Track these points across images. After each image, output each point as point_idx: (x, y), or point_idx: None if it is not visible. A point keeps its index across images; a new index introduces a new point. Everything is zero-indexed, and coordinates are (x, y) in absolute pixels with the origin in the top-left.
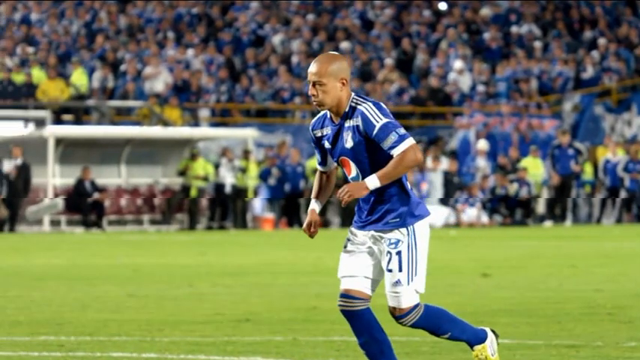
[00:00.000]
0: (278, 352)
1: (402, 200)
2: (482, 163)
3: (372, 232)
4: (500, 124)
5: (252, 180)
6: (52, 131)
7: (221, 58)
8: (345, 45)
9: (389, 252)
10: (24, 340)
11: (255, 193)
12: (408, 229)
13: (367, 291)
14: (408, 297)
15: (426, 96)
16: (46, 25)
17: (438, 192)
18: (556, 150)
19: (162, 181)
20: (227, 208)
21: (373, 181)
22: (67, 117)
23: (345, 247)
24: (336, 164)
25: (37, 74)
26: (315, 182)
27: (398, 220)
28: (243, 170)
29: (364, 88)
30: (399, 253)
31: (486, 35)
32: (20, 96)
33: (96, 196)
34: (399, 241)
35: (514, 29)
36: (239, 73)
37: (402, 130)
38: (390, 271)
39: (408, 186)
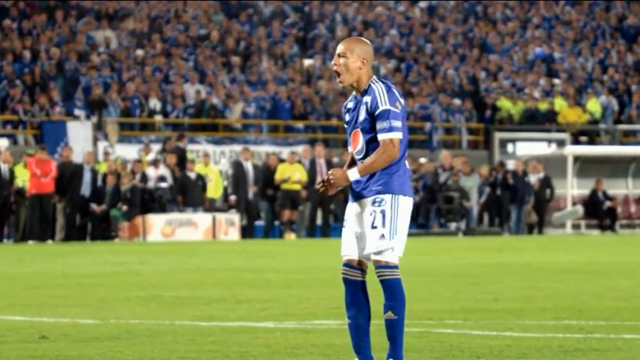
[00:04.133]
0: None
1: (391, 175)
2: None
3: (360, 202)
4: None
5: None
6: (571, 150)
7: None
8: None
9: (373, 211)
10: (550, 323)
11: None
12: (392, 196)
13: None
14: (390, 252)
15: None
16: (566, 62)
17: None
18: None
19: None
20: None
21: (354, 174)
22: (582, 138)
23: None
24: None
25: (559, 103)
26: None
27: (381, 187)
28: None
29: None
30: (382, 212)
31: None
32: (544, 121)
33: (608, 204)
34: (382, 200)
35: None
36: None
37: (396, 123)
38: (374, 227)
39: (400, 168)
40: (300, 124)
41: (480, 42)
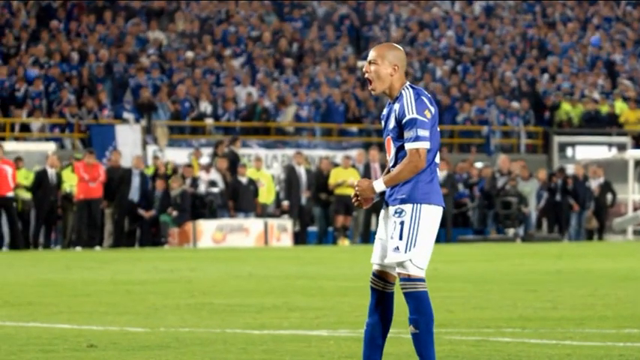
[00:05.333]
0: None
1: (416, 184)
2: None
3: (387, 210)
4: None
5: None
6: (632, 154)
7: None
8: None
9: (394, 222)
10: (610, 332)
11: None
12: (413, 206)
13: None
14: (410, 265)
15: None
16: (627, 64)
17: None
18: None
19: None
20: None
21: (379, 185)
22: None
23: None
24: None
25: (620, 105)
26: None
27: (404, 196)
28: None
29: None
30: (401, 223)
31: None
32: (604, 124)
33: None
34: (402, 211)
35: None
36: None
37: (423, 132)
38: (392, 239)
39: (429, 176)
40: (354, 128)
41: (538, 43)
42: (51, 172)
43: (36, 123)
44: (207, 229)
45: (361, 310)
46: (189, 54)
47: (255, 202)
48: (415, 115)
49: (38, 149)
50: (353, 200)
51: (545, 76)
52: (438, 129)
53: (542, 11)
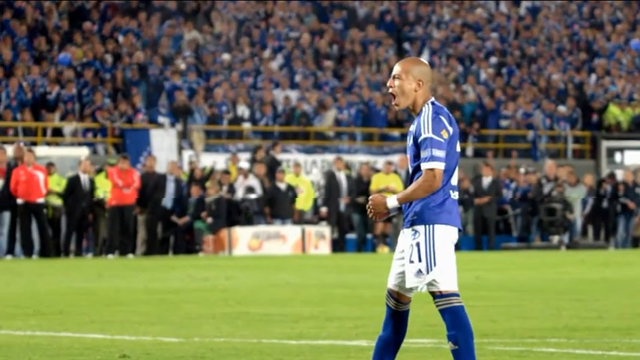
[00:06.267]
0: None
1: (427, 204)
2: None
3: (404, 230)
4: None
5: None
6: None
7: None
8: None
9: (410, 244)
10: None
11: None
12: (426, 226)
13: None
14: (435, 282)
15: None
16: None
17: None
18: None
19: None
20: None
21: (392, 201)
22: None
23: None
24: None
25: None
26: None
27: (416, 217)
28: None
29: None
30: (417, 244)
31: None
32: None
33: None
34: (417, 232)
35: None
36: None
37: (438, 152)
38: (412, 262)
39: (442, 197)
40: (395, 132)
41: (586, 45)
42: (84, 177)
43: (68, 127)
44: (243, 236)
45: None
46: (226, 56)
47: (293, 209)
48: (431, 135)
49: (71, 154)
50: (369, 213)
51: (593, 78)
52: (458, 149)
53: (589, 12)
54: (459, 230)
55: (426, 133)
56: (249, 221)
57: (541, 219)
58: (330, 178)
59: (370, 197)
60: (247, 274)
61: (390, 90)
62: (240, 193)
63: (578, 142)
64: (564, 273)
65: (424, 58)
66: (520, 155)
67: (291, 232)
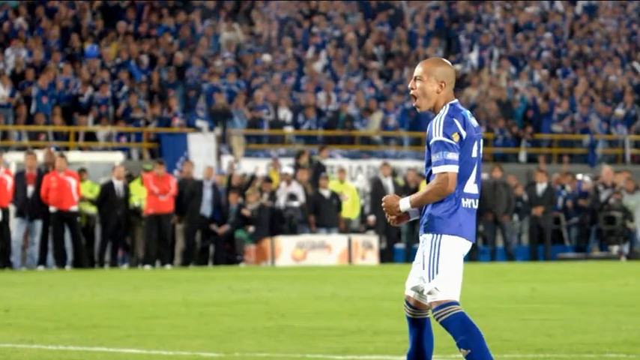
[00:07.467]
0: None
1: (437, 212)
2: None
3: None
4: None
5: None
6: None
7: None
8: None
9: (422, 251)
10: None
11: None
12: (433, 236)
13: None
14: (434, 292)
15: None
16: None
17: None
18: None
19: None
20: None
21: (405, 204)
22: None
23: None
24: None
25: None
26: None
27: (426, 226)
28: None
29: None
30: (424, 252)
31: None
32: None
33: None
34: (424, 239)
35: None
36: None
37: (450, 155)
38: (423, 268)
39: (454, 206)
40: None
41: None
42: (118, 184)
43: (102, 131)
44: (286, 246)
45: None
46: (267, 57)
47: (339, 217)
48: (441, 138)
49: (104, 160)
50: (388, 219)
51: None
52: (475, 154)
53: None
54: (472, 241)
55: (437, 136)
56: (292, 230)
57: (600, 228)
58: (377, 184)
59: (383, 198)
60: (291, 286)
61: (412, 92)
62: (281, 201)
63: (637, 147)
64: (624, 285)
65: (473, 57)
66: (573, 160)
67: (336, 241)
